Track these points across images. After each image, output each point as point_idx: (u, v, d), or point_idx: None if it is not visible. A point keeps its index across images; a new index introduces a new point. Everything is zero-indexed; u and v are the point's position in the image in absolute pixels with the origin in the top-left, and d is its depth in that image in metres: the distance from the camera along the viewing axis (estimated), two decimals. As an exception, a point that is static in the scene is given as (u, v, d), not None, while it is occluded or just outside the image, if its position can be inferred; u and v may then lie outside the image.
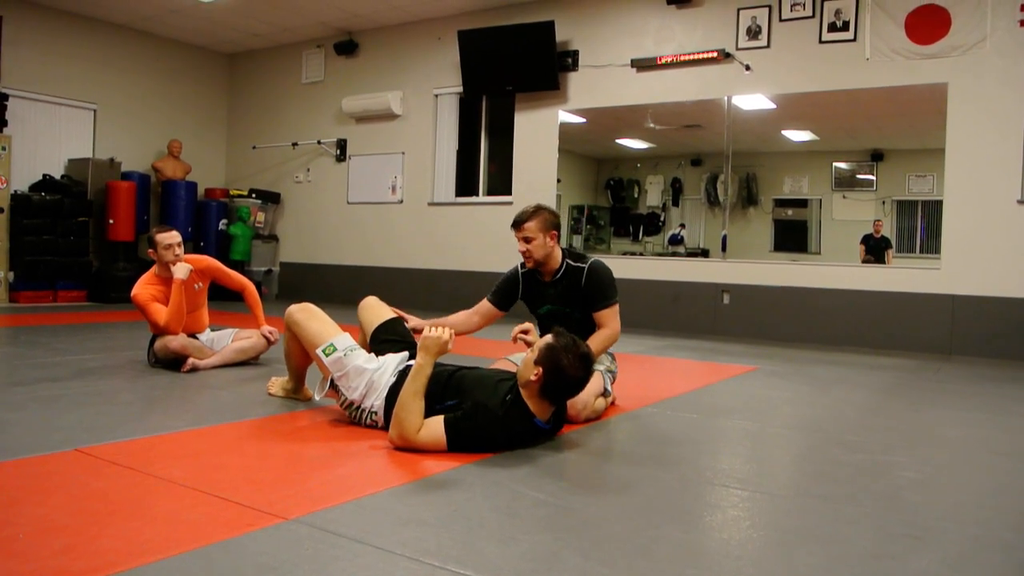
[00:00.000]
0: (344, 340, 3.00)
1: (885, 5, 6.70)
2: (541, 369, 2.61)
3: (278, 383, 3.58)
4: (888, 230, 8.62)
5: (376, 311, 3.36)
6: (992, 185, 6.35)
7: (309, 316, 3.17)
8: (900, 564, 1.81)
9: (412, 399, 2.62)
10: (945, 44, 6.48)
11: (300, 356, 3.31)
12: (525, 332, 2.98)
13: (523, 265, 3.67)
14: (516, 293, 3.73)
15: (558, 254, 3.57)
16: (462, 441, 2.58)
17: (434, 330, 2.70)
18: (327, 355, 2.94)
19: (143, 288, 4.34)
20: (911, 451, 3.00)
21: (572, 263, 3.58)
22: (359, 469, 2.44)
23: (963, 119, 6.45)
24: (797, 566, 1.79)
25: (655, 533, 1.97)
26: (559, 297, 3.59)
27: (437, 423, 2.60)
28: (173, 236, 4.36)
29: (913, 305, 6.58)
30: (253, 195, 10.26)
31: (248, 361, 4.57)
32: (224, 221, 10.08)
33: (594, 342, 3.33)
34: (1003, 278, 6.29)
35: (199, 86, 10.78)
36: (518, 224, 3.52)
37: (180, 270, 4.27)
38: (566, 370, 2.61)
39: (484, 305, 3.76)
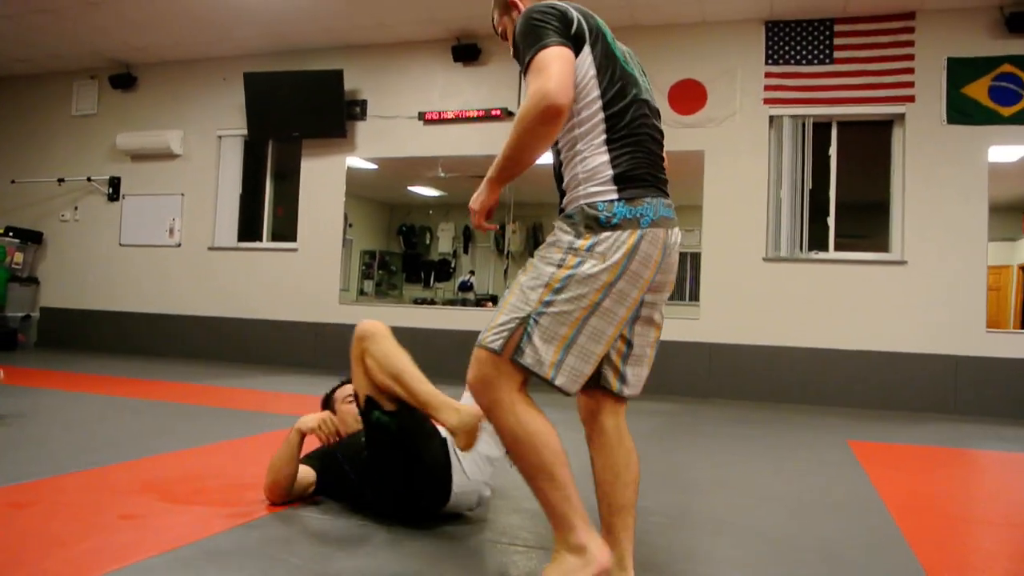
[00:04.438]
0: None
1: (652, 76, 7.23)
2: None
3: None
4: (660, 280, 9.22)
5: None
6: (742, 243, 7.03)
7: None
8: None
9: None
10: (702, 116, 7.16)
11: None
12: None
13: None
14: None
15: None
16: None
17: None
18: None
19: None
20: (659, 495, 3.24)
21: None
22: (102, 544, 2.29)
23: (717, 183, 7.13)
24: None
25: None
26: None
27: None
28: None
29: (678, 352, 7.11)
30: (10, 233, 9.40)
31: None
32: (-25, 261, 9.16)
33: None
34: (752, 328, 6.95)
35: (-51, 112, 9.79)
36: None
37: None
38: None
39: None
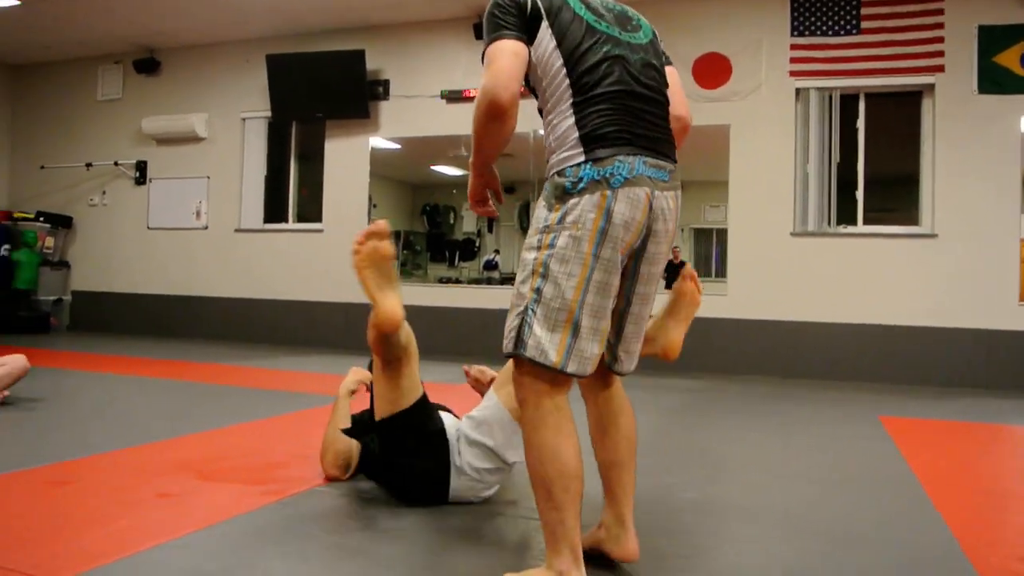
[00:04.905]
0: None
1: (675, 50, 7.17)
2: None
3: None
4: (687, 256, 9.21)
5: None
6: (769, 218, 6.96)
7: None
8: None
9: None
10: (727, 89, 7.07)
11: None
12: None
13: None
14: None
15: None
16: None
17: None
18: None
19: None
20: (689, 471, 3.23)
21: None
22: (139, 521, 2.33)
23: (743, 158, 7.05)
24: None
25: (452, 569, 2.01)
26: None
27: None
28: None
29: (704, 328, 7.05)
30: (41, 218, 9.53)
31: (8, 400, 4.16)
32: (7, 246, 9.28)
33: None
34: (779, 303, 6.90)
35: (-22, 99, 9.91)
36: None
37: None
38: None
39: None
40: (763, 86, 6.99)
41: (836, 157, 6.92)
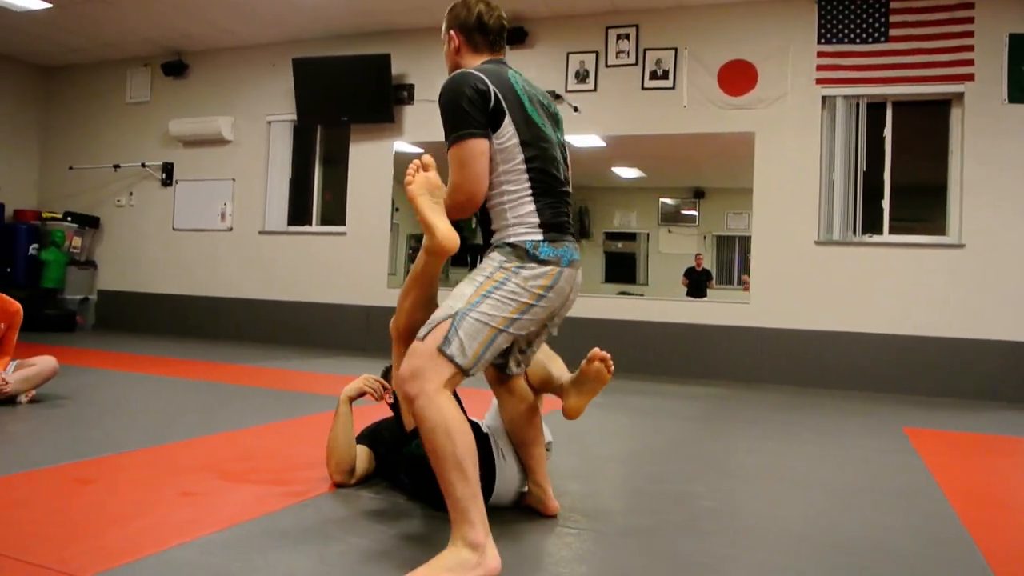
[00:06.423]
0: None
1: (700, 57, 7.20)
2: None
3: None
4: (709, 263, 9.18)
5: None
6: (793, 226, 6.92)
7: None
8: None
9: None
10: (752, 96, 7.03)
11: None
12: None
13: None
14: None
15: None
16: None
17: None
18: None
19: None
20: (709, 479, 3.21)
21: None
22: (163, 520, 2.35)
23: (768, 166, 7.01)
24: (592, 601, 1.88)
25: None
26: None
27: None
28: None
29: (726, 337, 7.03)
30: (68, 218, 9.65)
31: (37, 398, 4.20)
32: (35, 246, 9.40)
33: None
34: (802, 312, 6.85)
35: (9, 99, 10.04)
36: None
37: None
38: None
39: None
40: (789, 93, 6.95)
41: (862, 166, 6.86)
